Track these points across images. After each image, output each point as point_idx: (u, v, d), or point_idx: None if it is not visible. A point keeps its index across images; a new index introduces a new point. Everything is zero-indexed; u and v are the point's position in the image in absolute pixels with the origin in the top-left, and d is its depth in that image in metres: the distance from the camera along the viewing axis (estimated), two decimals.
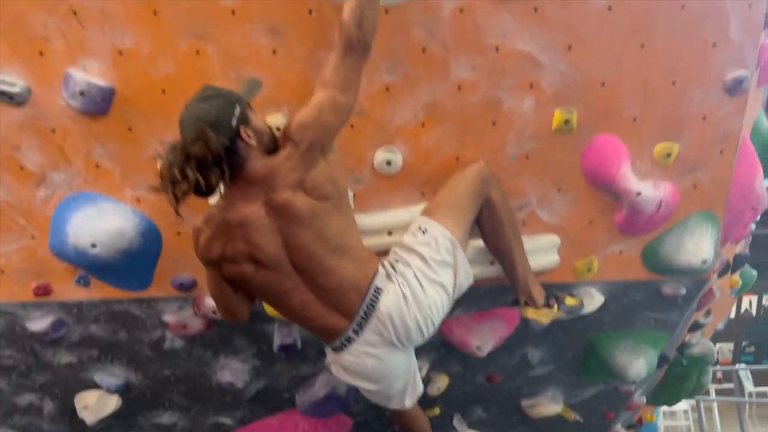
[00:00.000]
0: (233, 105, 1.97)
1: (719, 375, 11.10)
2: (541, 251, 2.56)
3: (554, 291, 2.60)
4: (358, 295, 2.11)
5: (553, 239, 2.59)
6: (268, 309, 2.61)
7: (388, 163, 2.43)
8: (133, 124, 2.38)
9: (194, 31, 2.28)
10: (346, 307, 2.13)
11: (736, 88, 2.41)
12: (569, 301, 2.56)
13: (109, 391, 2.94)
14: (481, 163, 2.39)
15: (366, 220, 2.50)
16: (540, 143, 2.47)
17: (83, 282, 2.56)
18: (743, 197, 2.62)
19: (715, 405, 9.33)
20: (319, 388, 2.98)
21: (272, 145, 2.06)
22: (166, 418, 3.20)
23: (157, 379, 2.95)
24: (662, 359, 3.08)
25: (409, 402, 2.45)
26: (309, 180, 1.99)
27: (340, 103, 2.01)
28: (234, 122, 1.95)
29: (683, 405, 9.24)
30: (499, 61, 2.36)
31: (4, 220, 2.50)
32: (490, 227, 2.38)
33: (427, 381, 3.00)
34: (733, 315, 11.22)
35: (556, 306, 2.52)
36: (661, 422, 8.65)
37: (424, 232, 2.20)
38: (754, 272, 3.72)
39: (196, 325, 2.69)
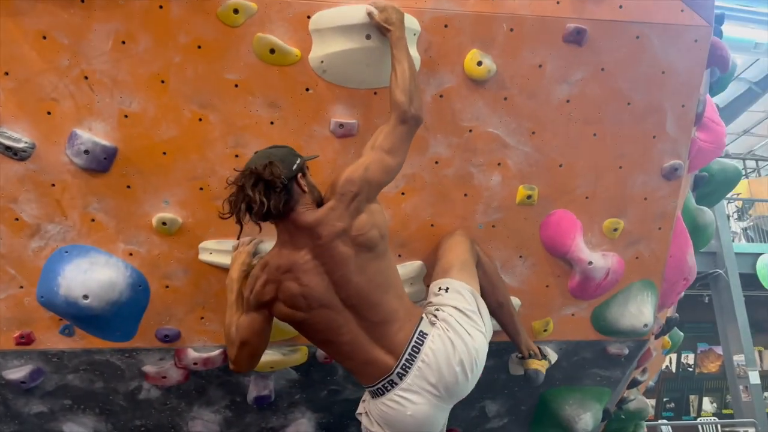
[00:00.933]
0: (296, 156, 2.28)
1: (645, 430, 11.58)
2: None
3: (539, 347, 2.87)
4: (404, 333, 2.23)
5: (515, 301, 2.85)
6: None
7: None
8: (132, 182, 2.52)
9: (198, 100, 2.48)
10: (392, 343, 2.22)
11: (672, 174, 2.79)
12: (548, 354, 2.82)
13: None
14: (461, 230, 2.67)
15: None
16: (505, 214, 2.77)
17: (68, 332, 2.61)
18: (677, 268, 2.98)
19: None
20: None
21: (319, 201, 2.30)
22: None
23: (127, 429, 2.98)
24: (605, 413, 3.35)
25: None
26: (354, 228, 2.21)
27: (387, 163, 2.28)
28: (295, 167, 2.22)
29: None
30: (471, 141, 2.66)
31: None
32: (488, 284, 2.61)
33: None
34: None
35: (546, 357, 2.77)
36: None
37: (446, 290, 2.39)
38: (681, 333, 4.10)
39: (175, 375, 2.77)
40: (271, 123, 2.54)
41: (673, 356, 14.07)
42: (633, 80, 2.68)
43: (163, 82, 2.45)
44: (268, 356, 2.72)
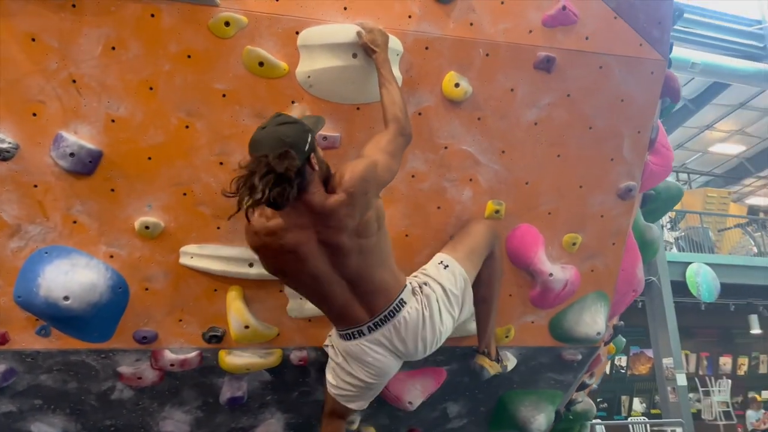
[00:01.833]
0: (307, 133, 2.24)
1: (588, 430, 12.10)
2: (470, 318, 2.98)
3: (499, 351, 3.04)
4: (386, 299, 2.44)
5: None
6: (222, 363, 2.81)
7: None
8: (116, 186, 2.55)
9: (186, 107, 2.54)
10: (372, 305, 2.43)
11: (626, 194, 3.03)
12: (505, 362, 3.00)
13: None
14: (492, 222, 2.88)
15: None
16: None
17: (44, 332, 2.62)
18: (628, 281, 3.23)
19: None
20: None
21: (328, 175, 2.35)
22: None
23: (96, 428, 2.99)
24: (557, 414, 3.57)
25: (363, 407, 2.72)
26: (361, 224, 2.33)
27: (391, 166, 2.43)
28: (307, 148, 2.21)
29: None
30: (446, 157, 2.82)
31: None
32: (487, 277, 2.79)
33: None
34: None
35: (501, 363, 2.95)
36: None
37: (445, 267, 2.61)
38: (624, 339, 4.39)
39: (150, 376, 2.80)
40: None
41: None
42: (595, 107, 2.90)
43: (151, 89, 2.49)
44: (245, 359, 2.81)
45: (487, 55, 2.74)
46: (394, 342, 2.47)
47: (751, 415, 16.27)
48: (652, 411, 15.15)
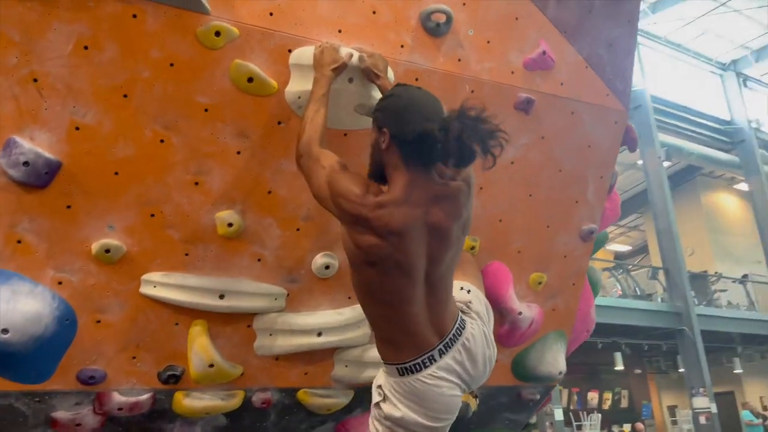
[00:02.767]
0: None
1: None
2: None
3: None
4: (452, 315, 2.18)
5: None
6: (177, 406, 2.52)
7: (327, 267, 2.62)
8: (73, 202, 2.24)
9: (163, 120, 2.30)
10: (442, 323, 2.14)
11: (588, 236, 3.13)
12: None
13: None
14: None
15: (298, 319, 2.62)
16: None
17: None
18: (583, 321, 3.32)
19: None
20: None
21: None
22: None
23: None
24: None
25: None
26: (467, 218, 2.16)
27: None
28: None
29: None
30: None
31: None
32: None
33: None
34: None
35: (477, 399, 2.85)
36: None
37: (468, 291, 2.41)
38: None
39: (90, 422, 2.43)
40: (238, 153, 2.42)
41: None
42: (565, 150, 2.99)
43: (125, 96, 2.23)
44: (205, 401, 2.54)
45: (471, 91, 2.75)
46: (466, 365, 2.14)
47: None
48: None
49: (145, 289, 2.38)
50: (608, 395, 20.83)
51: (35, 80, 2.12)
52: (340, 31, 2.49)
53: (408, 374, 2.09)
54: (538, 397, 3.30)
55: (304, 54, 2.42)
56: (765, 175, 17.34)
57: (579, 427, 17.36)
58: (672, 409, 20.96)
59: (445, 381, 2.10)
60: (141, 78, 2.24)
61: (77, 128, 2.20)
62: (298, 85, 2.42)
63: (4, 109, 2.10)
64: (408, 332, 2.11)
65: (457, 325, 2.17)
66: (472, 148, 1.96)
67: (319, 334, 2.63)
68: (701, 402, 14.38)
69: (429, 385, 2.07)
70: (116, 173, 2.27)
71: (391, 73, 2.53)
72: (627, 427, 18.77)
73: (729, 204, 21.38)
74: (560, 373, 3.17)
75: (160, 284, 2.39)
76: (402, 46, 2.59)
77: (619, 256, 25.08)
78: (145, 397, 2.47)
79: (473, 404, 2.83)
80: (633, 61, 3.13)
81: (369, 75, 2.40)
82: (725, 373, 19.46)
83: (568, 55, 2.94)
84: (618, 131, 3.10)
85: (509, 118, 2.83)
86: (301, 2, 2.43)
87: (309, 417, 2.88)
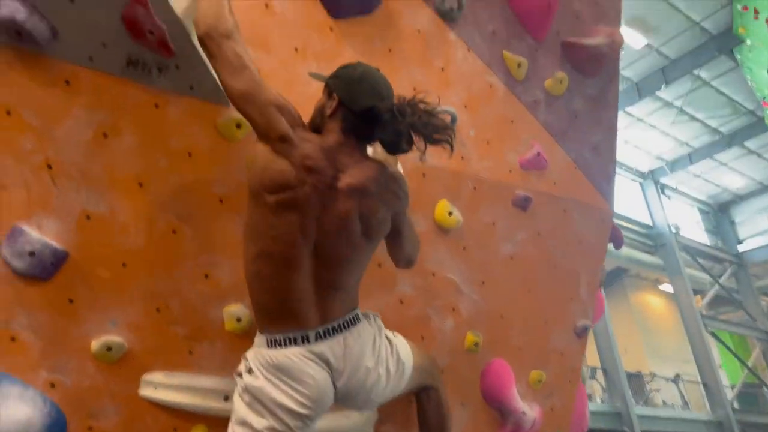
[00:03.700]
0: None
1: None
2: None
3: None
4: (345, 307, 2.04)
5: None
6: None
7: None
8: (76, 296, 2.09)
9: (177, 210, 2.23)
10: (329, 309, 2.00)
11: (582, 333, 3.16)
12: None
13: None
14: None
15: None
16: (453, 359, 2.82)
17: None
18: (579, 420, 3.27)
19: None
20: None
21: None
22: None
23: None
24: None
25: None
26: (381, 219, 2.07)
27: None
28: None
29: None
30: (433, 284, 2.74)
31: None
32: (437, 420, 2.46)
33: None
34: None
35: None
36: None
37: (395, 336, 2.28)
38: None
39: None
40: None
41: None
42: (559, 247, 3.07)
43: (141, 185, 2.16)
44: None
45: (474, 188, 2.82)
46: (339, 361, 1.97)
47: None
48: None
49: (145, 391, 2.19)
50: None
51: (49, 167, 2.03)
52: None
53: (276, 347, 1.95)
54: None
55: None
56: (687, 276, 18.30)
57: None
58: None
59: (315, 364, 1.94)
60: (158, 167, 2.18)
61: (88, 217, 2.09)
62: None
63: (13, 195, 1.98)
64: (285, 302, 1.97)
65: (348, 318, 2.04)
66: (413, 136, 2.02)
67: None
68: None
69: (294, 363, 1.92)
70: (124, 264, 2.15)
71: (400, 167, 2.58)
72: None
73: (656, 304, 22.26)
74: None
75: (162, 385, 2.21)
76: None
77: None
78: None
79: None
80: (615, 164, 3.32)
81: None
82: None
83: (558, 156, 3.09)
84: (605, 229, 3.23)
85: (508, 214, 2.92)
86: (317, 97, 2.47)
87: None
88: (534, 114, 3.05)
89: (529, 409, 2.94)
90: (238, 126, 2.27)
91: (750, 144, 16.08)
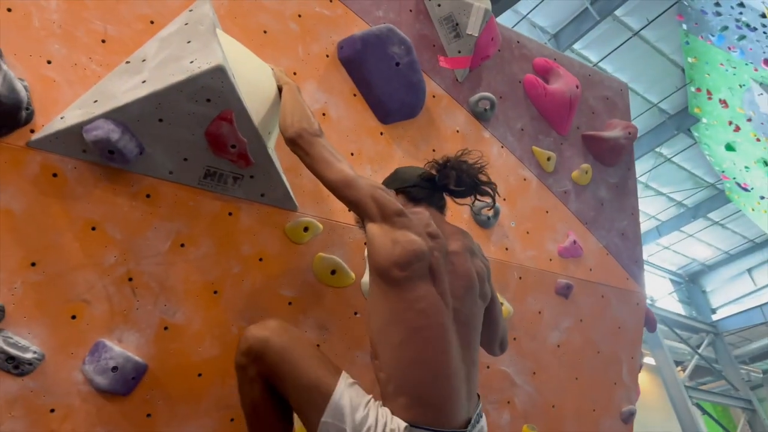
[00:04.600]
0: None
1: None
2: None
3: None
4: (476, 398, 1.95)
5: None
6: None
7: None
8: (154, 411, 2.03)
9: (249, 315, 2.22)
10: (472, 395, 1.90)
11: (629, 418, 3.16)
12: None
13: None
14: None
15: None
16: None
17: None
18: None
19: None
20: None
21: None
22: None
23: None
24: None
25: None
26: (483, 277, 2.11)
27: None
28: None
29: None
30: (489, 378, 2.75)
31: None
32: None
33: None
34: None
35: None
36: None
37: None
38: None
39: None
40: (318, 345, 2.34)
41: None
42: (601, 332, 3.13)
43: (216, 292, 2.17)
44: None
45: (519, 278, 2.89)
46: None
47: None
48: None
49: None
50: None
51: (130, 279, 2.03)
52: None
53: None
54: None
55: None
56: (667, 348, 18.31)
57: None
58: None
59: None
60: (232, 273, 2.20)
61: (166, 328, 2.07)
62: None
63: (96, 310, 1.97)
64: (444, 388, 1.80)
65: (479, 410, 1.93)
66: (470, 173, 2.09)
67: None
68: None
69: None
70: (200, 375, 2.12)
71: None
72: None
73: (641, 379, 22.14)
74: None
75: None
76: None
77: None
78: None
79: None
80: (641, 248, 3.44)
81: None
82: None
83: (591, 243, 3.20)
84: (640, 312, 3.30)
85: (553, 302, 2.98)
86: None
87: None
88: (565, 204, 3.19)
89: None
90: (306, 229, 2.33)
91: (713, 215, 16.61)
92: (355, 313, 2.43)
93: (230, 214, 2.21)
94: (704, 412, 14.37)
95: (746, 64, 7.91)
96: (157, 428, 2.03)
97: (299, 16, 2.61)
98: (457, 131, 2.93)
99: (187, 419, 2.09)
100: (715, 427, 17.37)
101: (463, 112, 2.98)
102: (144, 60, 2.08)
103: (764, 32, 6.36)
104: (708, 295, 20.30)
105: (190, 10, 2.24)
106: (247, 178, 2.19)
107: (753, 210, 12.04)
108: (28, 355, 1.84)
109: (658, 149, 13.85)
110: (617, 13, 9.73)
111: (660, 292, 20.01)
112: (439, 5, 2.97)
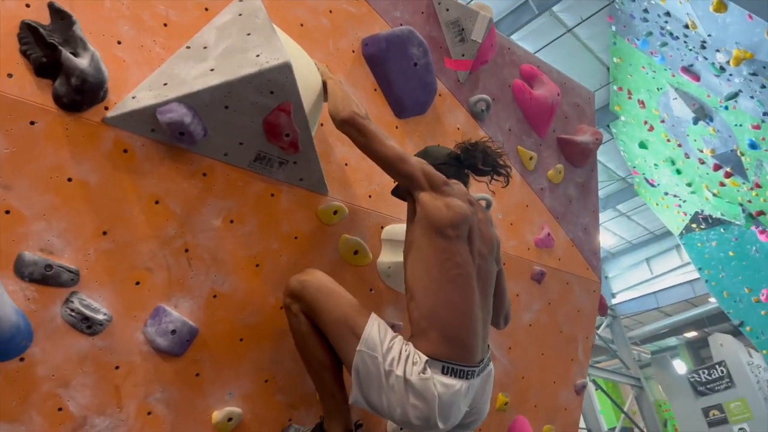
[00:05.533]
0: None
1: None
2: None
3: None
4: (488, 337, 2.29)
5: None
6: None
7: None
8: (202, 370, 2.24)
9: (284, 288, 2.44)
10: (485, 339, 2.23)
11: (580, 390, 3.62)
12: None
13: None
14: None
15: None
16: (488, 418, 3.15)
17: None
18: None
19: None
20: None
21: None
22: None
23: None
24: None
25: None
26: (497, 241, 2.47)
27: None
28: None
29: None
30: None
31: None
32: None
33: None
34: None
35: None
36: None
37: None
38: None
39: None
40: None
41: None
42: (564, 314, 3.55)
43: (257, 266, 2.38)
44: None
45: (504, 264, 3.24)
46: (477, 396, 2.20)
47: None
48: None
49: None
50: None
51: (186, 251, 2.21)
52: None
53: (452, 376, 2.02)
54: None
55: (393, 231, 2.77)
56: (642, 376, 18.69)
57: None
58: None
59: (468, 400, 2.12)
60: (271, 249, 2.42)
61: (215, 296, 2.27)
62: (389, 257, 2.73)
63: (157, 278, 2.14)
64: (469, 330, 2.10)
65: (490, 352, 2.29)
66: (493, 156, 2.46)
67: None
68: None
69: (456, 396, 2.02)
70: (241, 339, 2.33)
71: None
72: None
73: None
74: None
75: None
76: None
77: None
78: None
79: None
80: (599, 242, 3.89)
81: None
82: None
83: (561, 236, 3.61)
84: (595, 299, 3.76)
85: (528, 287, 3.36)
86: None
87: None
88: (542, 199, 3.57)
89: None
90: (335, 212, 2.57)
91: (621, 207, 17.60)
92: (371, 290, 2.70)
93: (272, 195, 2.41)
94: (598, 387, 15.55)
95: (665, 70, 8.57)
96: (204, 386, 2.24)
97: (330, 12, 2.80)
98: (458, 128, 3.22)
99: (229, 379, 2.31)
100: (607, 401, 18.68)
101: (463, 111, 3.27)
102: (206, 47, 2.23)
103: (685, 42, 6.98)
104: (610, 280, 21.48)
105: (240, 0, 2.40)
106: (291, 163, 2.40)
107: (657, 204, 13.03)
108: (100, 317, 2.00)
109: None
110: (554, 8, 10.17)
111: None
112: (447, 10, 3.23)
